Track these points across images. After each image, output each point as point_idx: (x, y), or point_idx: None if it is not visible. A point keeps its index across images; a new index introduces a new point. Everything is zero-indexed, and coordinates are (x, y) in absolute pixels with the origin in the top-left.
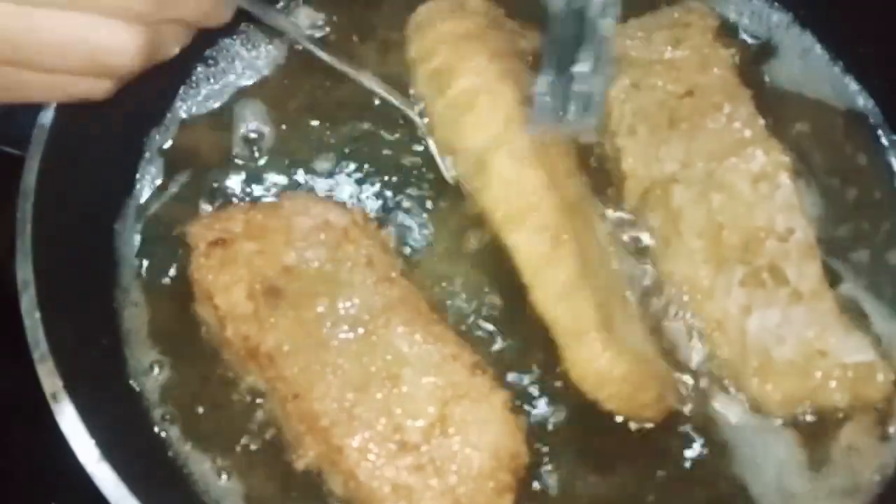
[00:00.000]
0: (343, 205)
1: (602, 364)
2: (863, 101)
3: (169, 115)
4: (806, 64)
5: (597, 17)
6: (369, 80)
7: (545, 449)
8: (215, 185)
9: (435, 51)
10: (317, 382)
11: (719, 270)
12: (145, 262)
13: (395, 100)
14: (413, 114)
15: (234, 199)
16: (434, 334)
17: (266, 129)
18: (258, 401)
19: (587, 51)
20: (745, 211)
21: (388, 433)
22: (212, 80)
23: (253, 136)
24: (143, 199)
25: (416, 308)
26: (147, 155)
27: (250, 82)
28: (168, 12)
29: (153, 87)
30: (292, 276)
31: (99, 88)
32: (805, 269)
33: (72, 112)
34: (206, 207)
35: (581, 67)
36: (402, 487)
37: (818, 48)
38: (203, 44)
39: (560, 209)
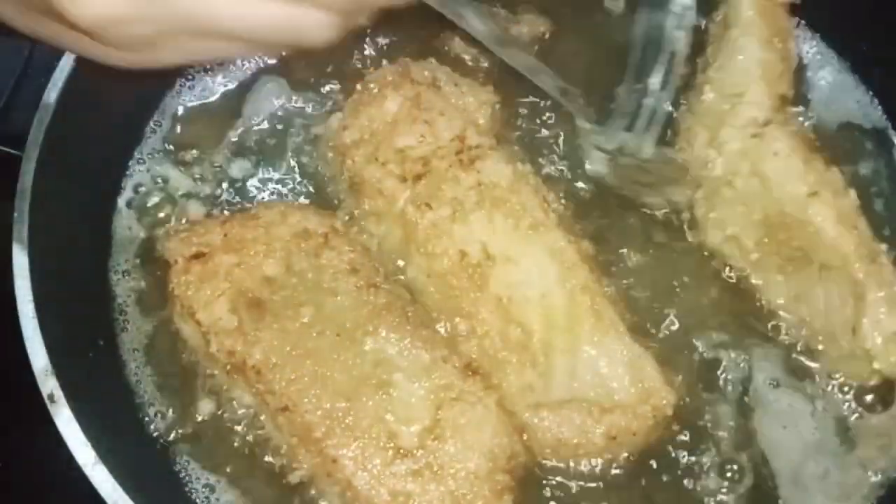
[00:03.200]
0: (322, 211)
1: None
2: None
3: (162, 111)
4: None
5: (672, 29)
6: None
7: None
8: (209, 183)
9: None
10: (307, 394)
11: None
12: (142, 263)
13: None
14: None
15: (230, 200)
16: (423, 338)
17: (264, 126)
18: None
19: (660, 64)
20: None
21: (382, 440)
22: (209, 72)
23: (250, 131)
24: (138, 199)
25: (403, 312)
26: (142, 153)
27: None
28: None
29: (148, 82)
30: (275, 286)
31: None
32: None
33: (67, 112)
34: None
35: (654, 80)
36: (400, 494)
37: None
38: None
39: None
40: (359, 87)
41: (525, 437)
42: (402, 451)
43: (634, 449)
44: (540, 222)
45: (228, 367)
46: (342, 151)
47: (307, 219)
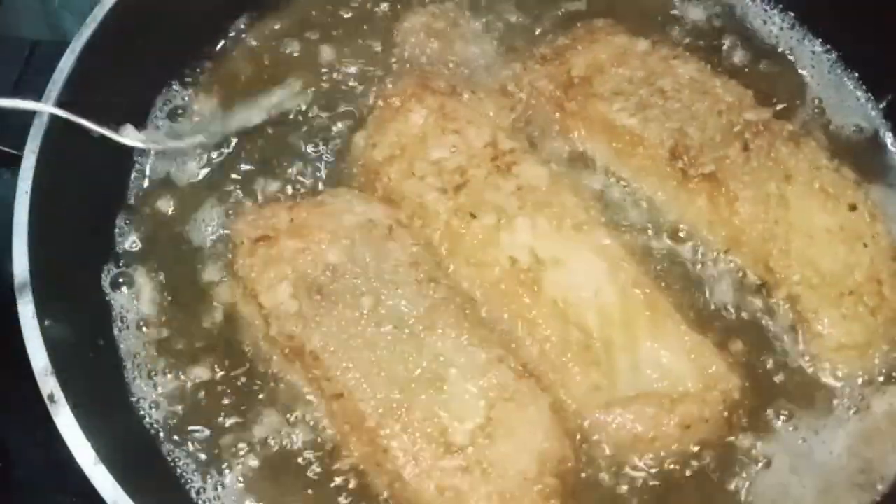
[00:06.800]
0: (387, 203)
1: None
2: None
3: (162, 110)
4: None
5: None
6: None
7: None
8: (207, 184)
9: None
10: (362, 383)
11: None
12: (140, 264)
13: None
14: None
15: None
16: (480, 336)
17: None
18: (247, 406)
19: None
20: None
21: (434, 435)
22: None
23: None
24: (139, 198)
25: (461, 309)
26: (143, 152)
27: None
28: None
29: (150, 79)
30: (336, 274)
31: None
32: None
33: (68, 111)
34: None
35: None
36: (447, 489)
37: (820, 48)
38: (180, 53)
39: None
40: (380, 102)
41: (595, 437)
42: (452, 446)
43: (706, 436)
44: (583, 221)
45: (287, 350)
46: (374, 169)
47: (372, 209)
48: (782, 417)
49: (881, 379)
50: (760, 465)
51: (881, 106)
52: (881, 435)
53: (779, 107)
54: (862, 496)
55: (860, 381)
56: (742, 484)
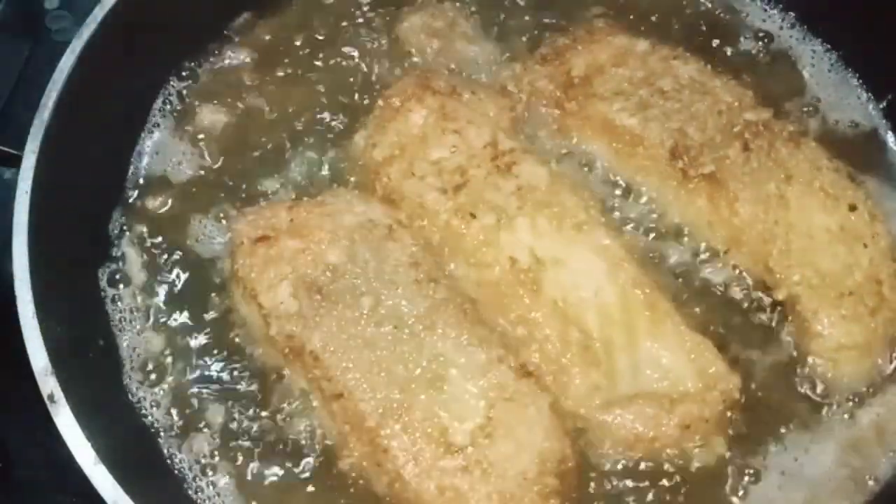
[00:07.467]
0: (387, 203)
1: None
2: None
3: (162, 109)
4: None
5: None
6: None
7: None
8: (206, 183)
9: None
10: (362, 383)
11: None
12: (139, 263)
13: None
14: None
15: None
16: (480, 336)
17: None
18: (246, 407)
19: None
20: None
21: (434, 435)
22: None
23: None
24: (138, 198)
25: (461, 309)
26: (142, 152)
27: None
28: None
29: (148, 79)
30: (337, 274)
31: None
32: None
33: (67, 112)
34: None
35: None
36: (448, 489)
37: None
38: (180, 53)
39: None
40: (380, 102)
41: (595, 437)
42: (452, 446)
43: (706, 435)
44: (583, 221)
45: (287, 350)
46: (374, 169)
47: (372, 209)
48: (775, 417)
49: (876, 382)
50: (749, 475)
51: (881, 105)
52: (868, 445)
53: (779, 107)
54: (854, 497)
55: (850, 385)
56: (738, 487)
